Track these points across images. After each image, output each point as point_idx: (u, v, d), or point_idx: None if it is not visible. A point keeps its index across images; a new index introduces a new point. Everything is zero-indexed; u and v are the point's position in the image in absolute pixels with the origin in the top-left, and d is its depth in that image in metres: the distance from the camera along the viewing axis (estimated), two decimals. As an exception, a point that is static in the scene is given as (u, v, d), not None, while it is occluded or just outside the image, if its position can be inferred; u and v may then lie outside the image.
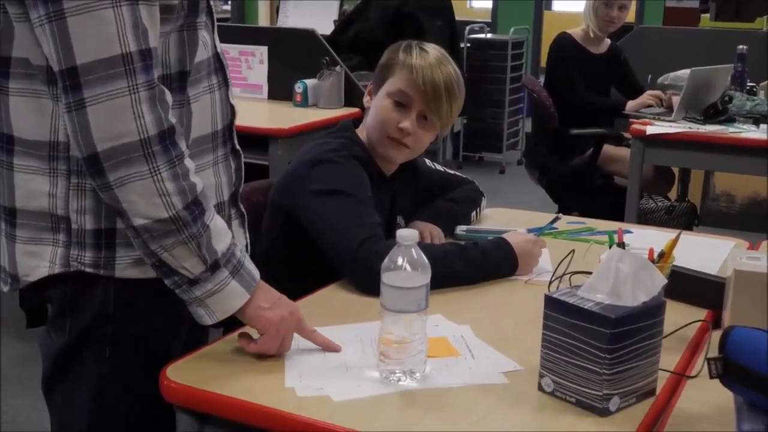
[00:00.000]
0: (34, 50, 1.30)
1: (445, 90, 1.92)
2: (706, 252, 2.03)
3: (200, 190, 1.33)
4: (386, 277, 1.33)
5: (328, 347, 1.47)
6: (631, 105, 4.28)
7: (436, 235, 2.04)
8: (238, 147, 1.57)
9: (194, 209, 1.31)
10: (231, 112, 1.54)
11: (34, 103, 1.33)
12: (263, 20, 9.73)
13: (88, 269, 1.37)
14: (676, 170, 4.83)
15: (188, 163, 1.32)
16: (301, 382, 1.35)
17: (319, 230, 1.84)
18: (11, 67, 1.33)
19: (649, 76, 4.72)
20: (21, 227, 1.39)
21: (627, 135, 4.10)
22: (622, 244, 1.69)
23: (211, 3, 1.48)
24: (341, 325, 1.56)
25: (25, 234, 1.39)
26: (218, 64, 1.50)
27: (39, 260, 1.39)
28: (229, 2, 10.76)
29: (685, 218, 4.54)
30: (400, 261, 1.33)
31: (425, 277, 1.33)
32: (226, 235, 1.37)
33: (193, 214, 1.31)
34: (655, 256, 1.67)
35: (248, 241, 1.64)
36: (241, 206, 1.61)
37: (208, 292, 1.35)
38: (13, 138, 1.36)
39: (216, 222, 1.36)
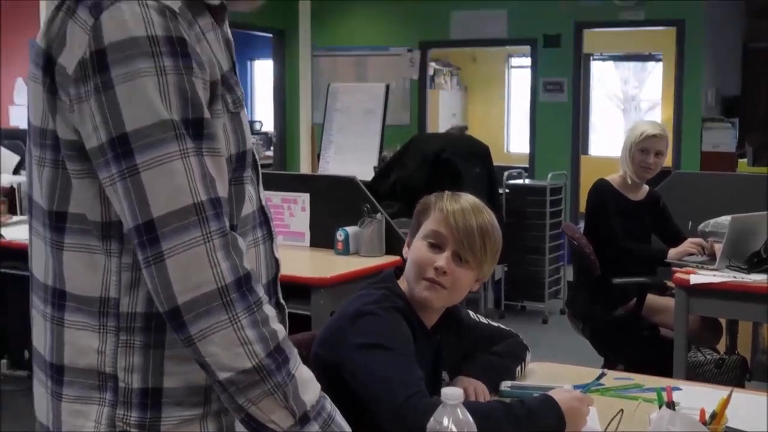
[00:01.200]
0: (92, 206, 1.32)
1: (478, 227, 1.93)
2: (759, 411, 1.97)
3: (282, 338, 1.30)
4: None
5: None
6: (672, 253, 4.23)
7: (480, 391, 2.01)
8: (282, 301, 1.57)
9: (277, 357, 1.28)
10: (275, 265, 1.54)
11: (88, 258, 1.34)
12: (305, 167, 9.95)
13: (133, 429, 1.35)
14: (723, 321, 4.72)
15: (267, 309, 1.31)
16: None
17: (362, 385, 1.82)
18: (68, 222, 1.35)
19: (690, 222, 4.70)
20: (68, 385, 1.38)
21: (670, 284, 4.05)
22: (671, 405, 1.64)
23: (257, 157, 1.51)
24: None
25: (72, 392, 1.38)
26: (263, 218, 1.51)
27: (85, 420, 1.37)
28: (272, 148, 11.04)
29: (736, 372, 4.40)
30: (445, 421, 1.30)
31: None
32: (314, 385, 1.34)
33: (277, 362, 1.28)
34: (707, 417, 1.62)
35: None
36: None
37: None
38: (65, 293, 1.37)
39: (302, 371, 1.32)
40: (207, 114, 1.29)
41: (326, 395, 1.37)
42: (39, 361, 1.43)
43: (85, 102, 1.26)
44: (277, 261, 1.55)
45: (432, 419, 1.32)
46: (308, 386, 1.32)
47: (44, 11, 7.19)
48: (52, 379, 1.40)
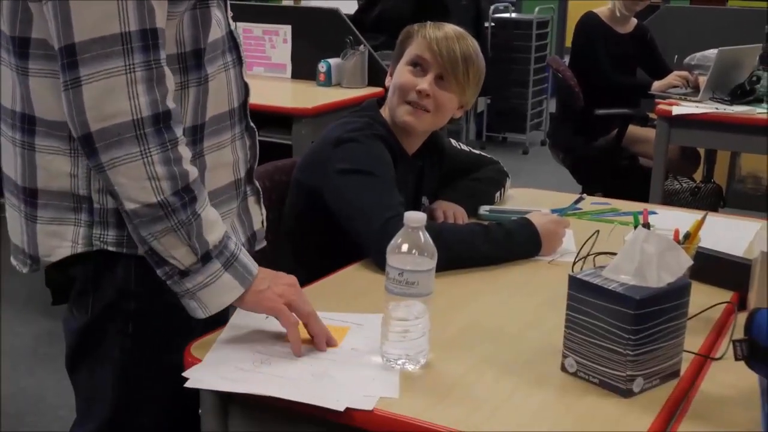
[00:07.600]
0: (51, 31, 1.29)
1: (461, 52, 1.93)
2: (731, 233, 2.01)
3: (193, 179, 1.31)
4: (391, 260, 1.30)
5: (319, 341, 1.39)
6: (657, 85, 4.24)
7: (459, 215, 2.03)
8: (252, 124, 1.57)
9: (184, 196, 1.29)
10: (245, 89, 1.54)
11: (54, 84, 1.31)
12: (287, -1, 9.73)
13: (110, 248, 1.37)
14: (701, 151, 4.79)
15: (183, 150, 1.31)
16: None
17: (342, 209, 1.83)
18: (31, 48, 1.33)
19: (676, 56, 4.67)
20: (42, 207, 1.39)
21: (652, 115, 4.08)
22: (647, 225, 1.67)
23: None
24: (355, 314, 1.52)
25: (47, 214, 1.39)
26: (232, 43, 1.49)
27: (61, 240, 1.39)
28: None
29: (711, 200, 4.51)
30: (406, 244, 1.30)
31: (431, 262, 1.30)
32: (219, 226, 1.36)
33: (183, 201, 1.29)
34: (681, 237, 1.65)
35: (264, 216, 1.64)
36: (257, 183, 1.61)
37: (200, 285, 1.33)
38: (35, 118, 1.36)
39: (208, 213, 1.34)
40: None
41: (231, 236, 1.38)
42: (10, 185, 1.44)
43: None
44: (246, 85, 1.54)
45: (392, 241, 1.31)
46: (213, 227, 1.34)
47: None
48: (25, 202, 1.41)
